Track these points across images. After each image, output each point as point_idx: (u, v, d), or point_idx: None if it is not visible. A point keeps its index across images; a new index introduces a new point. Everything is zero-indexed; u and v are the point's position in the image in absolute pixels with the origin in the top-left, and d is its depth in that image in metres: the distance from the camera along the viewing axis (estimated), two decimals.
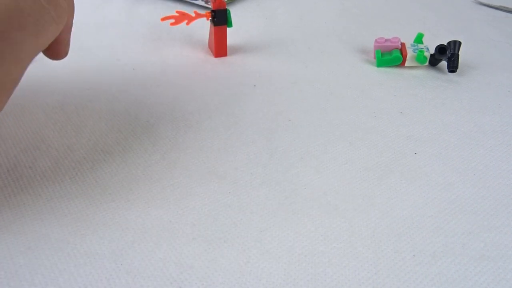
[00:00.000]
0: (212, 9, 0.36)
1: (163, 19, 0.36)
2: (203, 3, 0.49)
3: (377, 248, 0.22)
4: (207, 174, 0.26)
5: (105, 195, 0.24)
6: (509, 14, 0.51)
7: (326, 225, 0.23)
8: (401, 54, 0.37)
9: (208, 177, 0.25)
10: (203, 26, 0.40)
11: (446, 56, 0.36)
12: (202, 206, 0.24)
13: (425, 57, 0.36)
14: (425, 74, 0.37)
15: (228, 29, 0.37)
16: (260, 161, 0.27)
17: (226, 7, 0.36)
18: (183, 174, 0.26)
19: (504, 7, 0.52)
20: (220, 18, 0.36)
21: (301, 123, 0.30)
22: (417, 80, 0.36)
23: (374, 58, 0.38)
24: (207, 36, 0.40)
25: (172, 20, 0.36)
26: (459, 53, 0.37)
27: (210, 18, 0.37)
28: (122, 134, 0.28)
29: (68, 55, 0.29)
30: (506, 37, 0.45)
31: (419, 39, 0.38)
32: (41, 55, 0.25)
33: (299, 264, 0.21)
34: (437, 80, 0.36)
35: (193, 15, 0.37)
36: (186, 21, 0.37)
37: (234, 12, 0.47)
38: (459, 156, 0.27)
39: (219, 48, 0.38)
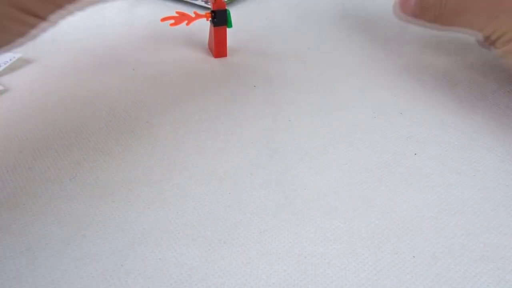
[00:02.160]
0: (212, 9, 0.35)
1: (163, 19, 0.36)
2: (203, 3, 0.49)
3: (376, 249, 0.22)
4: (207, 175, 0.26)
5: (105, 196, 0.24)
6: None
7: (326, 226, 0.23)
8: None
9: (208, 178, 0.25)
10: (203, 27, 0.40)
11: None
12: (202, 207, 0.24)
13: None
14: (425, 74, 0.37)
15: (228, 29, 0.37)
16: (260, 162, 0.27)
17: (226, 7, 0.36)
18: (183, 175, 0.26)
19: None
20: (220, 19, 0.36)
21: (301, 124, 0.30)
22: (417, 80, 0.36)
23: None
24: (207, 37, 0.40)
25: (172, 21, 0.36)
26: None
27: (210, 19, 0.36)
28: (122, 135, 0.28)
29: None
30: None
31: None
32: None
33: (299, 265, 0.21)
34: (437, 81, 0.36)
35: (193, 15, 0.36)
36: (186, 21, 0.37)
37: (234, 12, 0.47)
38: (459, 157, 0.27)
39: (219, 48, 0.38)
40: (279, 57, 0.39)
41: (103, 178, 0.25)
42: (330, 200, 0.24)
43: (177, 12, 0.35)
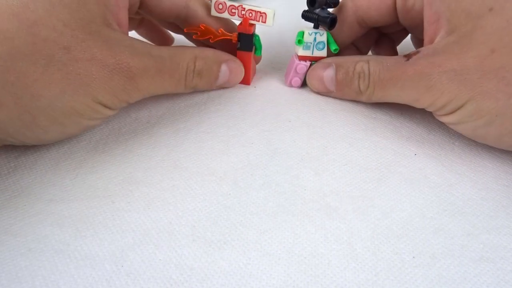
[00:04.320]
0: (237, 31, 0.32)
1: (188, 29, 0.32)
2: None
3: (376, 249, 0.22)
4: (207, 175, 0.26)
5: (105, 197, 0.24)
6: None
7: (326, 227, 0.23)
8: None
9: (208, 179, 0.25)
10: None
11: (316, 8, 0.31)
12: (202, 207, 0.24)
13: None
14: None
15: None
16: (260, 163, 0.27)
17: (254, 32, 0.32)
18: (183, 175, 0.26)
19: None
20: (245, 43, 0.32)
21: (301, 124, 0.30)
22: None
23: None
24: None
25: (197, 34, 0.32)
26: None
27: (235, 41, 0.32)
28: (122, 136, 0.28)
29: None
30: None
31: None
32: None
33: (299, 266, 0.21)
34: None
35: (219, 33, 0.32)
36: (210, 37, 0.32)
37: None
38: (459, 157, 0.28)
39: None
40: (279, 58, 0.39)
41: (103, 179, 0.25)
42: (330, 201, 0.24)
43: (202, 26, 0.31)
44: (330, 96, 0.32)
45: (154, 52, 0.27)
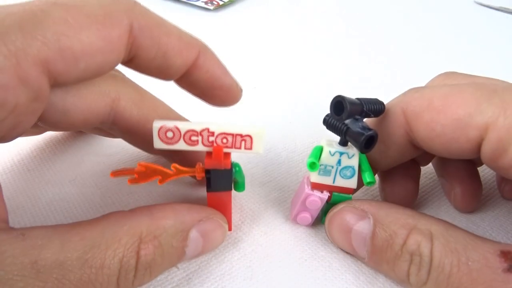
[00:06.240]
0: (205, 166, 0.20)
1: (116, 174, 0.19)
2: (203, 4, 0.49)
3: None
4: None
5: (105, 198, 0.24)
6: (509, 15, 0.51)
7: None
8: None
9: None
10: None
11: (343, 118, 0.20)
12: None
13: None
14: None
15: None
16: (261, 163, 0.27)
17: (232, 162, 0.20)
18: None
19: (504, 8, 0.52)
20: (219, 181, 0.20)
21: (302, 125, 0.30)
22: None
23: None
24: None
25: (132, 176, 0.19)
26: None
27: (202, 178, 0.20)
28: None
29: None
30: (506, 38, 0.45)
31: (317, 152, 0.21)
32: None
33: (300, 268, 0.21)
34: None
35: (172, 170, 0.19)
36: (158, 178, 0.19)
37: (234, 11, 0.47)
38: None
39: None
40: (279, 59, 0.39)
41: (103, 180, 0.25)
42: None
43: (141, 165, 0.19)
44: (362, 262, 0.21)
45: (43, 262, 0.15)
